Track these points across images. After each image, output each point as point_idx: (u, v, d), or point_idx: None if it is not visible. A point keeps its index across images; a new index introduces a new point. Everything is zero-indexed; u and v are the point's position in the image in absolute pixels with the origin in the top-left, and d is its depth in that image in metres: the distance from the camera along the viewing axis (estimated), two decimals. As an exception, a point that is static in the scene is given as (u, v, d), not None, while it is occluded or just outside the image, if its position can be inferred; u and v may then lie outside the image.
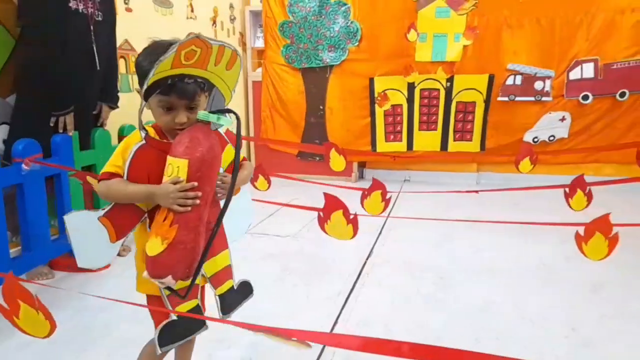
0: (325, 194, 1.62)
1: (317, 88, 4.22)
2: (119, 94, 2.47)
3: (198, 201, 0.96)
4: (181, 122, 0.99)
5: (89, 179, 2.03)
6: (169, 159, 0.97)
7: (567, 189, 2.34)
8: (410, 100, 4.08)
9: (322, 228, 1.65)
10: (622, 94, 3.61)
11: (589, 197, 2.29)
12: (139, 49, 2.84)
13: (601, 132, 3.73)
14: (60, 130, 2.10)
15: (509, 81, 3.81)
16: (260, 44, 4.39)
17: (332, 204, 1.64)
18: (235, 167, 1.00)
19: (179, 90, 0.96)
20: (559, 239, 2.42)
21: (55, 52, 1.99)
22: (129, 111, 2.67)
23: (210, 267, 1.11)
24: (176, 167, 0.95)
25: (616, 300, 1.92)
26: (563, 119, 3.76)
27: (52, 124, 2.08)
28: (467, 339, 1.63)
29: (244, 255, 2.26)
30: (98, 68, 2.20)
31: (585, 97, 3.68)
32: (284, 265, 2.31)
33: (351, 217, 1.64)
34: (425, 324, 1.74)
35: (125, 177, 1.00)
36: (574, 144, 3.79)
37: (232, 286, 1.18)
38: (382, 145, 4.21)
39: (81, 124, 2.20)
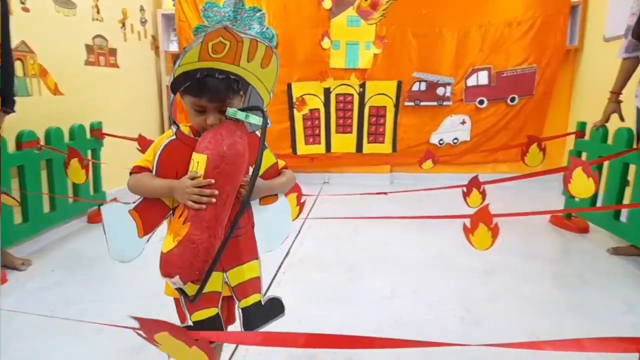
0: None
1: (235, 93, 4.22)
2: (16, 98, 2.31)
3: (214, 200, 0.91)
4: (212, 123, 0.97)
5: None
6: (193, 155, 0.96)
7: (464, 189, 2.59)
8: (326, 104, 4.23)
9: None
10: (512, 99, 4.03)
11: (484, 195, 2.56)
12: (38, 51, 2.72)
13: (497, 134, 4.13)
14: (-54, 137, 1.94)
15: (415, 87, 4.10)
16: (174, 47, 4.30)
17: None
18: (256, 167, 0.94)
19: (209, 93, 0.95)
20: (456, 231, 2.63)
21: None
22: (28, 116, 2.52)
23: (235, 276, 1.05)
24: (196, 162, 0.94)
25: (505, 282, 2.15)
26: (463, 122, 4.11)
27: None
28: (370, 326, 1.75)
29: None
30: (-11, 70, 2.06)
31: (481, 102, 4.06)
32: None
33: None
34: (333, 315, 1.84)
35: (153, 171, 0.98)
36: (474, 146, 4.15)
37: (259, 301, 1.09)
38: (302, 148, 4.32)
39: (-29, 130, 2.05)
